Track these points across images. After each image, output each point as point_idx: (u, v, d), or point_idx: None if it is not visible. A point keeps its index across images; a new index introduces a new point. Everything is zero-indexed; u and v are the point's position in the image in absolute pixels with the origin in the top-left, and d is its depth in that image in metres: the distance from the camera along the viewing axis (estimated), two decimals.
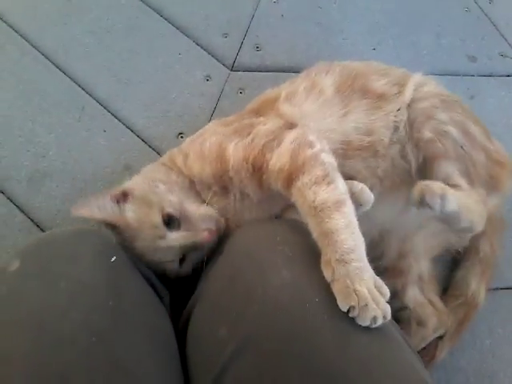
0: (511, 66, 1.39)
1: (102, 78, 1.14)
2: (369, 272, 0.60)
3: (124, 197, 0.76)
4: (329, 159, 0.73)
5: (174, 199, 0.76)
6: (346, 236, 0.61)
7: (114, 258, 0.66)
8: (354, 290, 0.56)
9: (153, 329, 0.63)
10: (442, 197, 0.72)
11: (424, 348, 0.88)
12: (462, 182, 0.82)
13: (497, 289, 1.02)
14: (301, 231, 0.71)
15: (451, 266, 0.99)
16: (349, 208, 0.66)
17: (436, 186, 0.74)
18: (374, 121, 0.88)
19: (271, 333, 0.56)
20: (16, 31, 1.19)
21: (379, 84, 0.91)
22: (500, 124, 1.27)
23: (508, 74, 1.37)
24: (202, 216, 0.75)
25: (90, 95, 1.11)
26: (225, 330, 0.59)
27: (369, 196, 0.75)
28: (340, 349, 0.54)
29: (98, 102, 1.10)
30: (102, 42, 1.19)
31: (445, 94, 0.93)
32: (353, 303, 0.55)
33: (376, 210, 0.77)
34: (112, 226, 0.74)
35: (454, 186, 0.80)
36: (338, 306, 0.56)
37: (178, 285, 0.81)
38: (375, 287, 0.58)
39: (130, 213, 0.74)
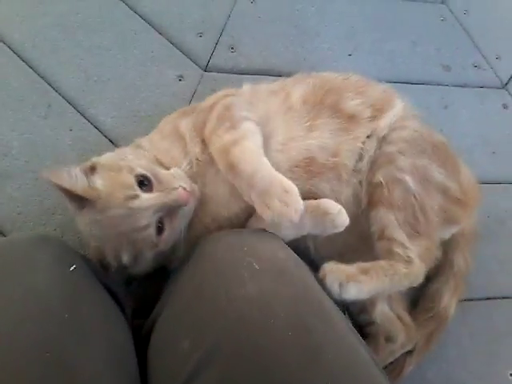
0: (484, 78, 1.41)
1: (71, 74, 1.10)
2: (275, 183, 0.70)
3: (92, 170, 0.73)
4: (248, 125, 0.79)
5: (144, 163, 0.74)
6: (244, 165, 0.72)
7: (74, 266, 0.64)
8: (267, 205, 0.69)
9: (110, 343, 0.61)
10: (342, 284, 0.73)
11: (391, 363, 0.88)
12: (399, 234, 0.81)
13: (465, 300, 1.04)
14: (269, 242, 0.70)
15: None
16: (248, 141, 0.76)
17: (341, 270, 0.75)
18: (339, 142, 0.85)
19: (235, 347, 0.55)
20: None
21: (352, 104, 0.89)
22: (472, 135, 1.29)
23: (481, 85, 1.40)
24: (174, 175, 0.74)
25: (57, 92, 1.07)
26: (188, 343, 0.58)
27: (344, 220, 0.75)
28: (306, 364, 0.53)
29: (65, 99, 1.06)
30: (72, 36, 1.15)
31: (418, 134, 0.90)
32: (270, 216, 0.69)
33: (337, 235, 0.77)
34: (79, 200, 0.70)
35: (389, 239, 0.82)
36: (302, 321, 0.57)
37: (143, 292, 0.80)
38: (284, 191, 0.69)
39: (100, 181, 0.70)
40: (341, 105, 0.88)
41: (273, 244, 0.70)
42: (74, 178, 0.70)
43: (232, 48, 1.23)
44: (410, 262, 0.79)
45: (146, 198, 0.69)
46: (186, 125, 0.83)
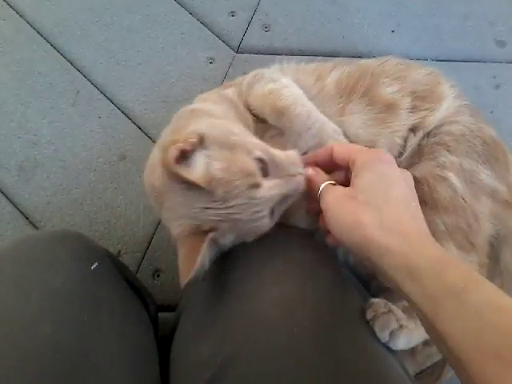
0: None
1: (99, 59, 1.09)
2: (327, 123, 0.71)
3: (201, 143, 0.58)
4: (287, 79, 0.76)
5: (257, 141, 0.63)
6: (298, 108, 0.69)
7: (96, 264, 0.63)
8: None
9: (129, 344, 0.60)
10: (393, 334, 0.63)
11: (430, 367, 0.84)
12: (447, 245, 0.73)
13: None
14: (298, 239, 0.68)
15: None
16: (294, 88, 0.74)
17: (392, 315, 0.65)
18: (374, 134, 0.78)
19: (258, 351, 0.53)
20: (11, 7, 1.14)
21: (388, 90, 0.80)
22: None
23: None
24: (291, 160, 0.64)
25: (86, 78, 1.07)
26: (207, 349, 0.57)
27: None
28: (329, 378, 0.51)
29: (93, 85, 1.06)
30: (101, 19, 1.14)
31: (468, 129, 0.82)
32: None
33: None
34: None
35: None
36: (327, 332, 0.54)
37: None
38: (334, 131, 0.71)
39: (216, 164, 0.57)
40: (375, 91, 0.80)
41: (302, 242, 0.67)
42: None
43: (266, 27, 1.18)
44: None
45: (268, 188, 0.60)
46: (232, 93, 0.78)
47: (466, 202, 0.76)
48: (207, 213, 0.57)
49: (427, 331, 0.46)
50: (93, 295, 0.59)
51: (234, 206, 0.58)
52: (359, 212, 0.53)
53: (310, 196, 0.63)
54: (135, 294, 0.70)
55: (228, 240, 0.60)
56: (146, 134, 1.02)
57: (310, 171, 0.63)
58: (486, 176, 0.79)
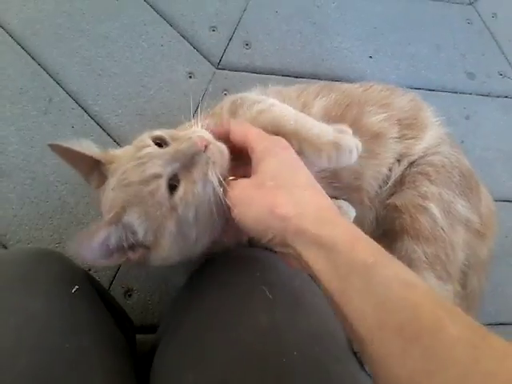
0: (509, 87, 1.38)
1: (74, 66, 1.06)
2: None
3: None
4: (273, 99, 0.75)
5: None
6: (285, 113, 0.69)
7: (76, 287, 0.62)
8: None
9: (109, 371, 0.59)
10: None
11: None
12: (427, 277, 0.77)
13: None
14: (285, 267, 0.68)
15: None
16: (283, 104, 0.72)
17: None
18: (363, 165, 0.80)
19: (246, 380, 0.52)
20: None
21: (375, 120, 0.82)
22: (493, 148, 1.26)
23: (506, 95, 1.37)
24: (194, 130, 0.65)
25: (59, 85, 1.03)
26: (192, 376, 0.55)
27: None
28: None
29: (67, 93, 1.03)
30: (77, 24, 1.11)
31: (448, 160, 0.86)
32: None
33: None
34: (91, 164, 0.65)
35: None
36: (316, 361, 0.55)
37: None
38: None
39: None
40: (362, 121, 0.82)
41: (288, 269, 0.68)
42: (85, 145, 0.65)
43: (247, 44, 1.19)
44: None
45: (156, 148, 0.62)
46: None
47: (445, 232, 0.80)
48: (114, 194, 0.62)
49: (336, 314, 0.48)
50: (74, 320, 0.58)
51: (125, 171, 0.61)
52: (272, 197, 0.54)
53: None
54: (113, 316, 0.68)
55: (132, 217, 0.60)
56: (121, 146, 1.00)
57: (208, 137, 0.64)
58: (461, 207, 0.84)
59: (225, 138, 0.64)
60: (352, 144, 0.66)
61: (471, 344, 0.38)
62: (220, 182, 0.60)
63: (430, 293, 0.43)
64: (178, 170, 0.60)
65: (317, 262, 0.48)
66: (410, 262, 0.77)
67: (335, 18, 1.31)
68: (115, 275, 0.90)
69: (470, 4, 1.49)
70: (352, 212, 0.78)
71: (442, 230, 0.79)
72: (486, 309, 1.05)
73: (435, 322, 0.40)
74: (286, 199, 0.53)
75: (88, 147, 0.65)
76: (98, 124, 1.01)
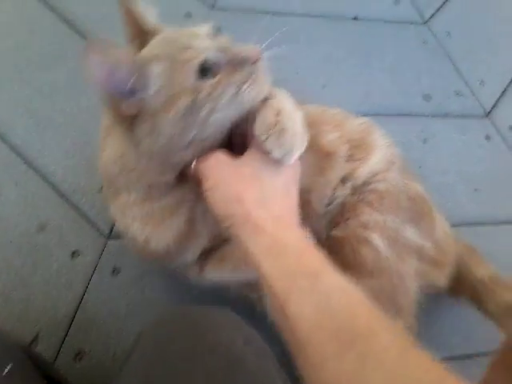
0: (466, 106, 1.40)
1: (17, 119, 1.06)
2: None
3: None
4: None
5: None
6: None
7: (9, 366, 0.61)
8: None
9: None
10: None
11: None
12: None
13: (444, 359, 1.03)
14: (227, 325, 0.68)
15: None
16: None
17: None
18: (313, 181, 0.80)
19: None
20: None
21: (329, 138, 0.82)
22: (453, 171, 1.28)
23: (463, 114, 1.39)
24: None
25: (2, 139, 1.03)
26: None
27: None
28: None
29: (10, 148, 1.02)
30: (20, 74, 1.11)
31: (395, 187, 0.85)
32: None
33: None
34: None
35: None
36: None
37: None
38: None
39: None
40: (319, 140, 0.82)
41: (230, 327, 0.67)
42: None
43: None
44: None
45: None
46: None
47: (390, 263, 0.78)
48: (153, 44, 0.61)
49: (277, 318, 0.51)
50: None
51: (176, 33, 0.62)
52: (244, 186, 0.56)
53: None
54: None
55: (156, 69, 0.58)
56: (70, 201, 1.00)
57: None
58: (411, 233, 0.83)
59: None
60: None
61: (401, 352, 0.42)
62: (248, 102, 0.60)
63: (367, 303, 0.47)
64: (223, 62, 0.59)
65: (266, 260, 0.52)
66: None
67: (286, 47, 1.32)
68: (65, 337, 0.89)
69: (424, 24, 1.52)
70: None
71: (387, 261, 0.78)
72: (450, 340, 1.05)
73: (369, 329, 0.44)
74: (255, 194, 0.56)
75: (146, 13, 0.64)
76: (43, 178, 1.01)
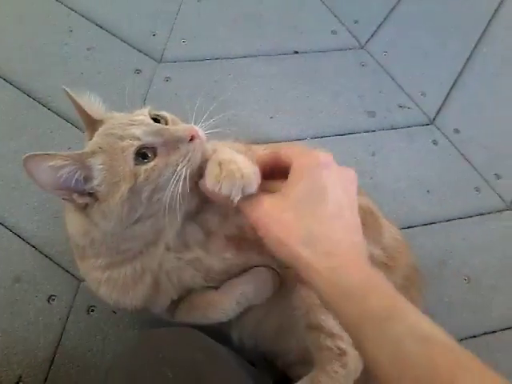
0: (411, 117, 1.51)
1: None
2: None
3: None
4: None
5: None
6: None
7: None
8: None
9: None
10: None
11: None
12: (325, 317, 0.79)
13: None
14: (188, 342, 0.72)
15: None
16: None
17: None
18: None
19: None
20: None
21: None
22: (405, 177, 1.38)
23: (409, 124, 1.49)
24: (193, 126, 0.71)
25: None
26: None
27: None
28: None
29: None
30: None
31: None
32: None
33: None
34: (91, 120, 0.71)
35: (316, 327, 0.80)
36: None
37: None
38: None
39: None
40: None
41: (191, 343, 0.72)
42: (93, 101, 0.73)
43: None
44: (342, 355, 0.77)
45: (151, 121, 0.68)
46: None
47: None
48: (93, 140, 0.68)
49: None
50: None
51: (113, 125, 0.67)
52: (289, 230, 0.55)
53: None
54: None
55: (96, 161, 0.64)
56: (41, 252, 1.09)
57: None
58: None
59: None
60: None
61: None
62: (185, 180, 0.63)
63: (447, 348, 0.45)
64: (158, 145, 0.64)
65: (331, 305, 0.51)
66: (307, 307, 0.80)
67: (233, 88, 1.45)
68: (46, 378, 0.96)
69: (362, 48, 1.65)
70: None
71: None
72: None
73: (452, 380, 0.42)
74: (301, 236, 0.55)
75: (93, 104, 0.73)
76: (15, 234, 1.11)
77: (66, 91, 0.71)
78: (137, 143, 0.63)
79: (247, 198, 0.61)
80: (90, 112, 0.71)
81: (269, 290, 0.85)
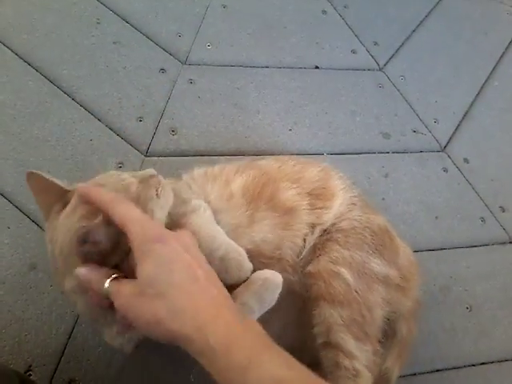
0: (423, 142, 1.55)
1: (8, 168, 1.17)
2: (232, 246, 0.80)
3: None
4: (197, 201, 0.85)
5: None
6: (205, 231, 0.78)
7: None
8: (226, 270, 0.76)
9: None
10: None
11: None
12: (345, 338, 0.82)
13: (414, 374, 1.13)
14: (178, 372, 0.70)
15: None
16: (204, 211, 0.82)
17: None
18: (281, 237, 0.89)
19: None
20: None
21: (289, 194, 0.92)
22: (414, 201, 1.41)
23: (421, 150, 1.54)
24: None
25: None
26: None
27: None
28: None
29: (1, 195, 1.13)
30: (8, 129, 1.23)
31: (357, 222, 0.94)
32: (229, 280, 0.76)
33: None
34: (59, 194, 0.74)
35: (334, 346, 0.82)
36: None
37: None
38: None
39: None
40: (277, 197, 0.91)
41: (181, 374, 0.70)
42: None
43: (173, 131, 1.33)
44: (357, 376, 0.81)
45: None
46: None
47: (359, 294, 0.86)
48: None
49: None
50: None
51: None
52: (153, 309, 0.55)
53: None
54: None
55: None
56: None
57: (84, 272, 0.62)
58: (376, 265, 0.90)
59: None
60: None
61: None
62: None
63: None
64: None
65: (206, 365, 0.53)
66: (328, 326, 0.84)
67: (254, 97, 1.47)
68: (56, 367, 0.97)
69: (380, 70, 1.69)
70: (278, 277, 0.82)
71: (357, 292, 0.86)
72: (420, 357, 1.16)
73: None
74: (165, 310, 0.55)
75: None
76: (33, 221, 1.11)
77: (29, 175, 0.75)
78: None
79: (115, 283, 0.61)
80: (62, 184, 0.74)
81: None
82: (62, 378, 0.96)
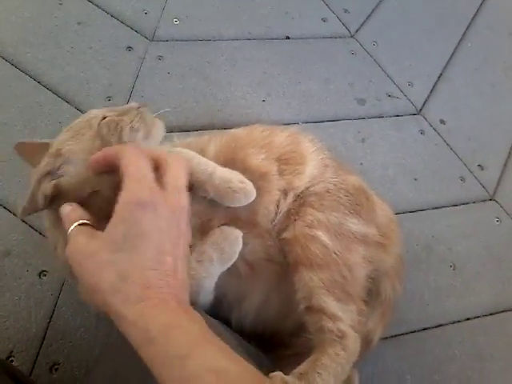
0: (399, 106, 1.55)
1: None
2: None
3: None
4: None
5: None
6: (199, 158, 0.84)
7: None
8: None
9: None
10: None
11: None
12: (327, 301, 0.81)
13: (401, 334, 1.13)
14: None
15: None
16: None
17: None
18: (256, 203, 0.87)
19: None
20: None
21: (258, 159, 0.91)
22: (392, 165, 1.41)
23: (397, 114, 1.53)
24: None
25: None
26: None
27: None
28: None
29: None
30: None
31: (331, 184, 0.93)
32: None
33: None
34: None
35: (318, 310, 0.81)
36: None
37: None
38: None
39: None
40: (248, 162, 0.90)
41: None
42: None
43: None
44: (343, 337, 0.79)
45: None
46: None
47: (338, 255, 0.85)
48: None
49: None
50: None
51: None
52: (96, 276, 0.52)
53: None
54: None
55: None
56: (31, 227, 1.07)
57: (64, 209, 0.62)
58: (353, 225, 0.90)
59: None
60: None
61: None
62: None
63: (241, 378, 0.48)
64: None
65: (141, 349, 0.50)
66: (309, 290, 0.82)
67: (225, 70, 1.45)
68: (38, 352, 0.95)
69: (352, 37, 1.67)
70: (237, 231, 0.85)
71: (335, 254, 0.85)
72: (406, 317, 1.16)
73: None
74: (112, 282, 0.52)
75: None
76: (5, 208, 1.08)
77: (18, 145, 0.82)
78: None
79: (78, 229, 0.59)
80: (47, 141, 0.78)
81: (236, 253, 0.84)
82: (46, 362, 0.95)
